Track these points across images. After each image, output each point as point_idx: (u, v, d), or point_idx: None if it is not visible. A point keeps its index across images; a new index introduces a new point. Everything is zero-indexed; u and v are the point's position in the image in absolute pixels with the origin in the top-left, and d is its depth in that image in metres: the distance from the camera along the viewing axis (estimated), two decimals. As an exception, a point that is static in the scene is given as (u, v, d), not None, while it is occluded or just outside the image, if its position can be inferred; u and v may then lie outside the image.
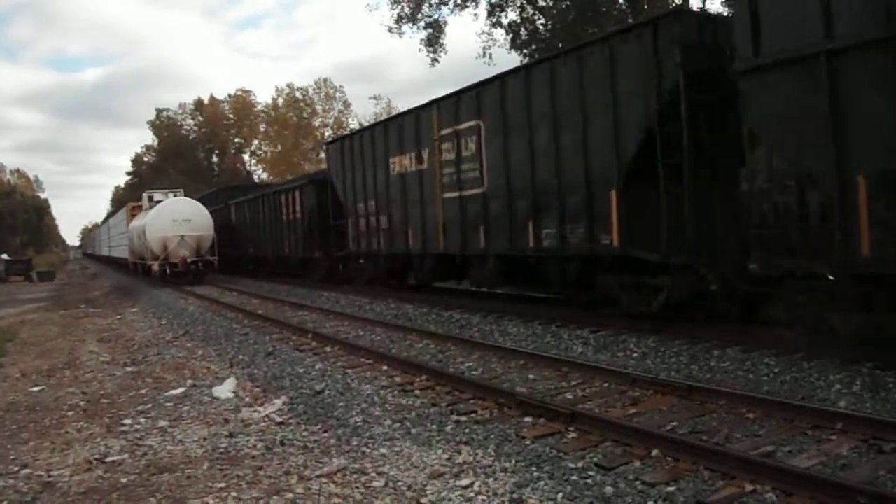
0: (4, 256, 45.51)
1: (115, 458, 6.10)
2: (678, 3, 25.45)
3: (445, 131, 14.46)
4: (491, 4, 28.38)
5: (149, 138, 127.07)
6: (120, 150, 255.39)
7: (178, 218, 27.17)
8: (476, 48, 62.47)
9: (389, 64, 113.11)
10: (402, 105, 56.56)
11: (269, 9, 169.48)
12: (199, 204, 28.84)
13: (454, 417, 6.66)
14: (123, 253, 37.87)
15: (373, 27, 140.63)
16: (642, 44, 9.76)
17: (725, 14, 12.65)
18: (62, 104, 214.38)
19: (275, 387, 8.54)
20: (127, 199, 75.76)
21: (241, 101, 77.22)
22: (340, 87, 70.41)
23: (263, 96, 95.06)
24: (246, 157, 79.19)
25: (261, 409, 7.53)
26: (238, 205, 32.35)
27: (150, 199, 31.36)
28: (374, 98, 64.12)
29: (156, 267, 27.00)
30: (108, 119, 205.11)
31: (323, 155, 65.72)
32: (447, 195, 14.48)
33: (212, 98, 78.60)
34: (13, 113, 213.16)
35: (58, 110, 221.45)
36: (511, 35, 27.76)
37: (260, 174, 76.10)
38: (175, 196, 30.34)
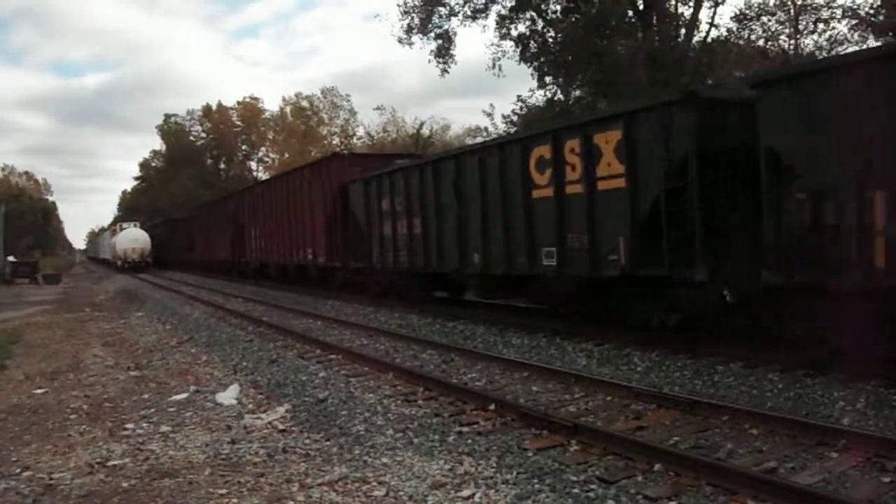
0: (11, 258, 45.52)
1: (116, 463, 6.11)
2: (686, 17, 25.53)
3: None
4: (500, 16, 28.46)
5: (152, 144, 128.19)
6: (123, 154, 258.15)
7: (132, 238, 52.89)
8: (483, 58, 62.38)
9: (388, 74, 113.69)
10: (407, 116, 56.66)
11: (266, 19, 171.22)
12: (143, 231, 54.50)
13: (457, 428, 6.66)
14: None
15: (371, 37, 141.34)
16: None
17: None
18: (65, 109, 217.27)
19: (278, 394, 8.55)
20: (135, 203, 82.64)
21: (250, 109, 77.50)
22: (347, 95, 70.38)
23: (267, 104, 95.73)
24: (253, 164, 79.46)
25: (263, 415, 7.54)
26: (397, 174, 16.52)
27: (121, 227, 58.68)
28: (379, 108, 64.23)
29: (119, 263, 51.12)
30: (110, 124, 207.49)
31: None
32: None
33: (220, 105, 78.95)
34: (17, 116, 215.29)
35: (61, 115, 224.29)
36: (520, 48, 27.82)
37: (266, 181, 76.32)
38: (133, 226, 56.77)
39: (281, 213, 25.34)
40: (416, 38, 29.50)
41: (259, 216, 28.45)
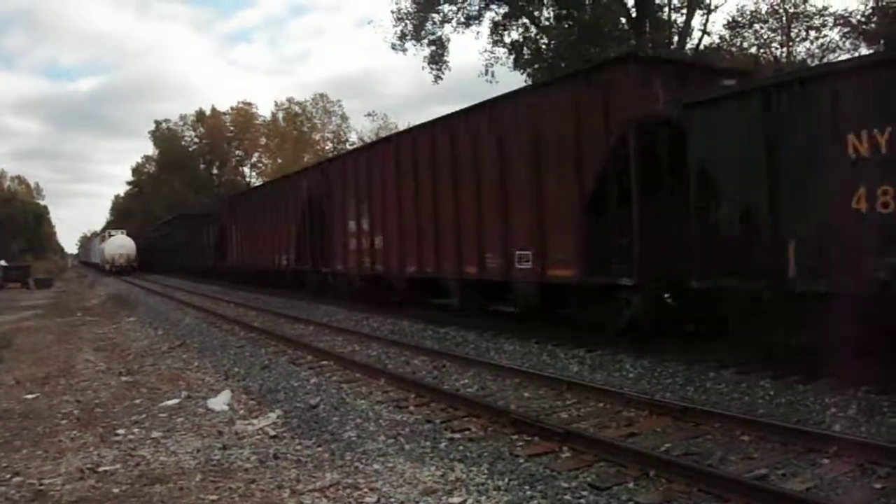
0: (2, 263, 45.36)
1: (107, 468, 6.08)
2: (679, 24, 25.66)
3: None
4: (494, 23, 28.59)
5: (145, 148, 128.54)
6: (116, 159, 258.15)
7: (119, 244, 57.29)
8: (477, 65, 62.60)
9: (381, 80, 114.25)
10: (400, 122, 56.56)
11: (259, 23, 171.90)
12: (129, 238, 58.79)
13: (448, 434, 6.65)
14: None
15: (364, 43, 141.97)
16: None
17: None
18: (57, 113, 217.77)
19: (269, 400, 8.52)
20: (127, 207, 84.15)
21: (243, 114, 77.53)
22: (338, 101, 70.59)
23: (260, 109, 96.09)
24: (246, 169, 79.44)
25: (255, 421, 7.51)
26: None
27: (109, 234, 64.28)
28: (370, 115, 64.15)
29: (108, 267, 55.15)
30: (103, 128, 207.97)
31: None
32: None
33: (213, 110, 78.98)
34: (8, 120, 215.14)
35: (53, 119, 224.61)
36: (514, 54, 27.92)
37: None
38: (121, 234, 61.37)
39: (435, 189, 14.58)
40: (409, 44, 29.62)
41: (377, 197, 17.27)
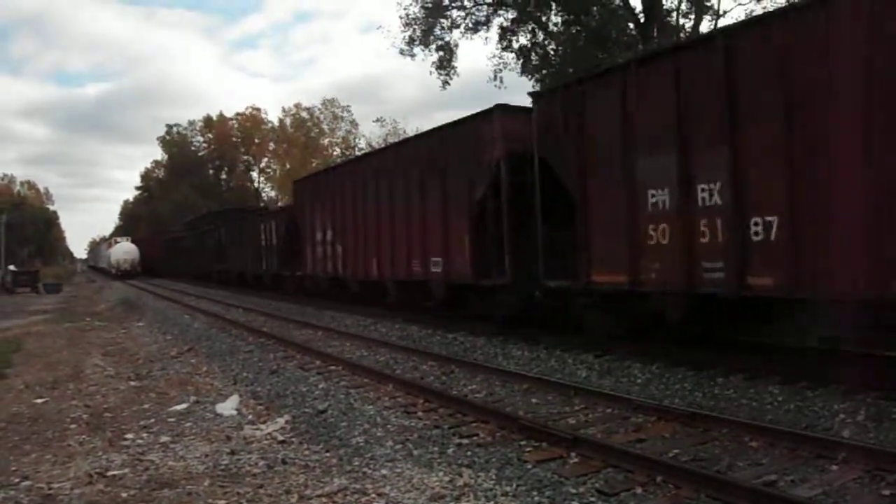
0: (12, 268, 45.60)
1: (116, 473, 6.11)
2: (687, 29, 25.64)
3: None
4: (502, 28, 28.63)
5: (153, 154, 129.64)
6: (124, 164, 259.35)
7: (124, 250, 60.94)
8: (486, 70, 62.61)
9: (387, 85, 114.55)
10: (408, 127, 56.56)
11: (265, 30, 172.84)
12: (133, 244, 62.34)
13: (456, 440, 6.66)
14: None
15: (370, 49, 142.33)
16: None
17: None
18: (65, 118, 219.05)
19: (278, 405, 8.55)
20: (136, 212, 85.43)
21: (252, 119, 77.76)
22: (347, 106, 70.61)
23: (268, 115, 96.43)
24: (254, 174, 79.65)
25: (263, 426, 7.53)
26: None
27: (116, 240, 68.37)
28: (379, 120, 64.06)
29: (114, 271, 58.73)
30: (111, 134, 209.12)
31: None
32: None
33: (221, 115, 79.25)
34: (17, 125, 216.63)
35: (61, 124, 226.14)
36: (522, 59, 27.95)
37: (268, 192, 76.53)
38: (126, 240, 65.10)
39: None
40: (417, 49, 29.68)
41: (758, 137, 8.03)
